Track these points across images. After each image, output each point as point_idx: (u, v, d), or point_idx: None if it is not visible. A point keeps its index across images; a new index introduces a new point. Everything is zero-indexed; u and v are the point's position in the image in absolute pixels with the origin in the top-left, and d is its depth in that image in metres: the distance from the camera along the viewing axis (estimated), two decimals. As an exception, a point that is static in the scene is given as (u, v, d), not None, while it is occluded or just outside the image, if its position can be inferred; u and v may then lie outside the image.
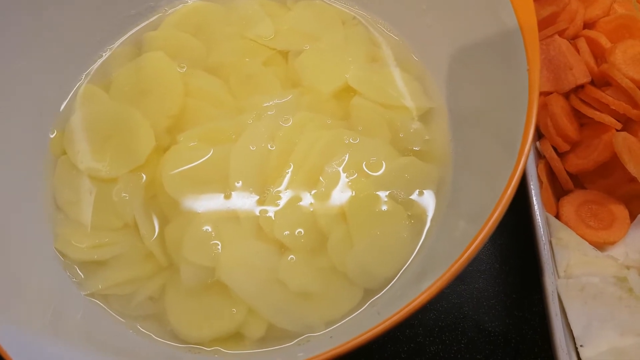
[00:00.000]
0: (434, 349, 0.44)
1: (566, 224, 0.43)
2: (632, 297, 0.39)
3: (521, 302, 0.45)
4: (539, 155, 0.46)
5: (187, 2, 0.49)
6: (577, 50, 0.47)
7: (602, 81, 0.46)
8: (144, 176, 0.41)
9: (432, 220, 0.39)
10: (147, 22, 0.49)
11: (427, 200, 0.40)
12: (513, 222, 0.48)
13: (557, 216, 0.44)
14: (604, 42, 0.48)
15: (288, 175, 0.40)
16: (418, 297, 0.26)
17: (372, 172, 0.41)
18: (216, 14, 0.48)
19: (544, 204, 0.44)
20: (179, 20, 0.48)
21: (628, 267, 0.41)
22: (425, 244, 0.38)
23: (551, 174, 0.46)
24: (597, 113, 0.44)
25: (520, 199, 0.43)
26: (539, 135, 0.47)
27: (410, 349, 0.45)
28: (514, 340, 0.44)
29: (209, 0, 0.49)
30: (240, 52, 0.46)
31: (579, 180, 0.46)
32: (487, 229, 0.27)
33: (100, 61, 0.48)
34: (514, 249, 0.48)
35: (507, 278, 0.47)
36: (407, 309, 0.25)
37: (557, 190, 0.46)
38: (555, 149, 0.46)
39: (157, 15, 0.49)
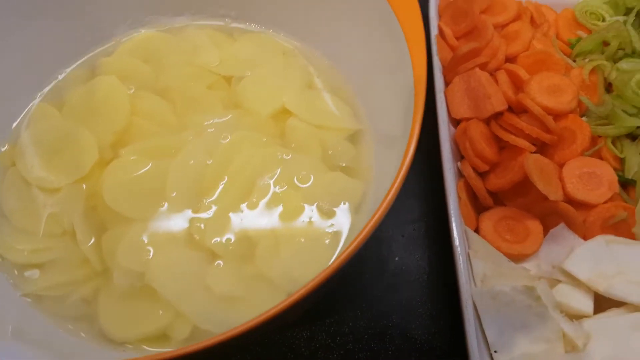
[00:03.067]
0: (362, 356, 0.46)
1: (484, 237, 0.46)
2: (540, 305, 0.41)
3: (446, 311, 0.48)
4: (460, 175, 0.50)
5: (141, 31, 0.53)
6: (497, 82, 0.52)
7: (520, 109, 0.51)
8: (85, 186, 0.44)
9: (349, 230, 0.42)
10: (102, 48, 0.53)
11: (349, 211, 0.43)
12: (440, 236, 0.51)
13: (477, 230, 0.47)
14: (523, 74, 0.52)
15: (221, 188, 0.43)
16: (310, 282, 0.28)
17: (302, 184, 0.44)
18: (167, 42, 0.52)
19: (465, 219, 0.47)
20: (132, 48, 0.52)
21: (539, 278, 0.44)
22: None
23: (473, 192, 0.49)
24: (512, 137, 0.48)
25: (445, 215, 0.46)
26: (460, 156, 0.51)
27: (340, 355, 0.46)
28: (438, 348, 0.46)
29: (161, 31, 0.53)
30: (187, 77, 0.50)
31: (500, 198, 0.50)
32: (369, 227, 0.29)
33: (55, 82, 0.51)
34: (441, 261, 0.50)
35: (434, 288, 0.49)
36: (302, 291, 0.28)
37: (479, 207, 0.49)
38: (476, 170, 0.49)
39: (112, 43, 0.53)
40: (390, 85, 0.42)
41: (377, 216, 0.30)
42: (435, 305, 0.48)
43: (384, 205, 0.30)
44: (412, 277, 0.50)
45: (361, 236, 0.29)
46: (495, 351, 0.41)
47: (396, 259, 0.51)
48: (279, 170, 0.44)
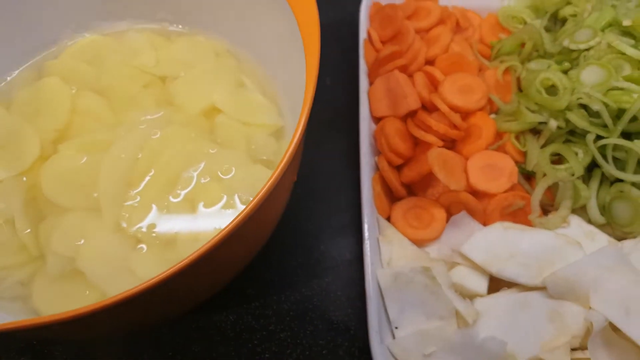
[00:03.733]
0: (283, 336, 0.50)
1: (394, 224, 0.51)
2: (435, 284, 0.45)
3: (362, 295, 0.52)
4: (377, 168, 0.54)
5: (85, 35, 0.57)
6: (415, 83, 0.56)
7: (433, 107, 0.55)
8: (25, 179, 0.48)
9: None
10: (49, 51, 0.56)
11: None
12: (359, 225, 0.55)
13: (389, 218, 0.51)
14: (439, 75, 0.56)
15: (148, 179, 0.47)
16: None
17: (225, 176, 0.48)
18: (109, 46, 0.56)
19: (378, 208, 0.51)
20: (77, 51, 0.56)
21: (439, 261, 0.48)
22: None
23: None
24: (422, 133, 0.52)
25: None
26: (378, 151, 0.55)
27: (263, 336, 0.50)
28: (353, 328, 0.50)
29: (104, 35, 0.57)
30: (125, 77, 0.54)
31: (413, 190, 0.54)
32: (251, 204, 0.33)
33: (4, 83, 0.55)
34: (362, 249, 0.54)
35: (353, 274, 0.53)
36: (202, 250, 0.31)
37: (395, 198, 0.54)
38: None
39: (58, 46, 0.57)
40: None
41: (255, 201, 0.33)
42: (353, 289, 0.52)
43: (262, 192, 0.33)
44: (335, 264, 0.54)
45: (237, 219, 0.32)
46: (396, 327, 0.45)
47: (321, 247, 0.55)
48: (204, 163, 0.48)
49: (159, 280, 0.29)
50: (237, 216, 0.33)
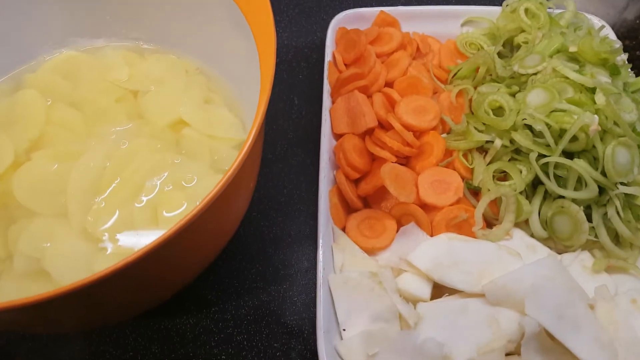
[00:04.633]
0: (240, 339, 0.52)
1: (347, 233, 0.54)
2: (381, 288, 0.48)
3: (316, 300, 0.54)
4: (335, 181, 0.57)
5: (63, 51, 0.60)
6: (373, 103, 0.60)
7: (389, 126, 0.58)
8: (-2, 185, 0.51)
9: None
10: (27, 65, 0.60)
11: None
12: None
13: (344, 228, 0.54)
14: (396, 96, 0.60)
15: (114, 186, 0.50)
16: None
17: (187, 184, 0.51)
18: (85, 61, 0.59)
19: (334, 219, 0.54)
20: (54, 66, 0.59)
21: (386, 267, 0.51)
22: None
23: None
24: (377, 149, 0.56)
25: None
26: (337, 166, 0.58)
27: (220, 338, 0.52)
28: (306, 331, 0.53)
29: (81, 51, 0.60)
30: (98, 91, 0.57)
31: (369, 202, 0.57)
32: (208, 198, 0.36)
33: (-17, 95, 0.58)
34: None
35: (308, 280, 0.56)
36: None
37: (352, 209, 0.57)
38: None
39: (36, 61, 0.60)
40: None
41: (205, 200, 0.36)
42: (308, 296, 0.55)
43: (212, 192, 0.36)
44: (292, 272, 0.57)
45: (176, 227, 0.35)
46: (344, 329, 0.48)
47: (280, 255, 0.58)
48: (168, 172, 0.51)
49: (105, 274, 0.32)
50: (186, 216, 0.35)
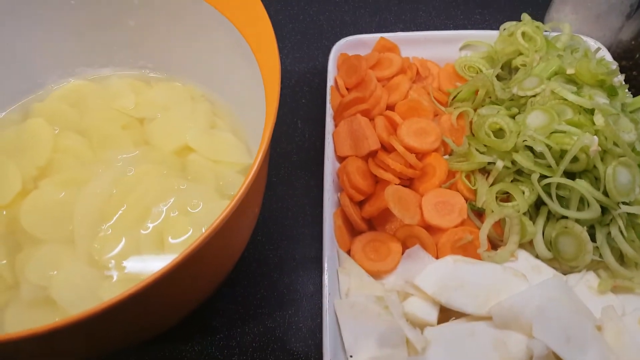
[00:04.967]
0: (246, 366, 0.52)
1: (353, 257, 0.54)
2: (388, 313, 0.48)
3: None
4: (339, 204, 0.57)
5: (70, 80, 0.62)
6: (375, 126, 0.61)
7: (392, 148, 0.59)
8: (5, 212, 0.51)
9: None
10: (36, 94, 0.61)
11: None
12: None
13: (349, 251, 0.55)
14: (397, 119, 0.61)
15: (120, 213, 0.50)
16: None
17: (193, 210, 0.51)
18: (92, 90, 0.61)
19: (339, 242, 0.54)
20: (62, 95, 0.60)
21: (392, 291, 0.51)
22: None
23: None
24: (381, 171, 0.56)
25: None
26: (341, 189, 0.58)
27: (226, 366, 0.52)
28: (312, 358, 0.52)
29: (88, 80, 0.62)
30: (105, 119, 0.58)
31: (374, 224, 0.57)
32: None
33: (-9, 124, 0.59)
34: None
35: (315, 305, 0.56)
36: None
37: (356, 232, 0.57)
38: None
39: (44, 90, 0.61)
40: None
41: (211, 228, 0.36)
42: (314, 321, 0.55)
43: (218, 220, 0.37)
44: (298, 297, 0.57)
45: (183, 255, 0.35)
46: (350, 356, 0.47)
47: (285, 280, 0.58)
48: (174, 198, 0.51)
49: (112, 303, 0.32)
50: (193, 243, 0.36)
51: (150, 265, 0.48)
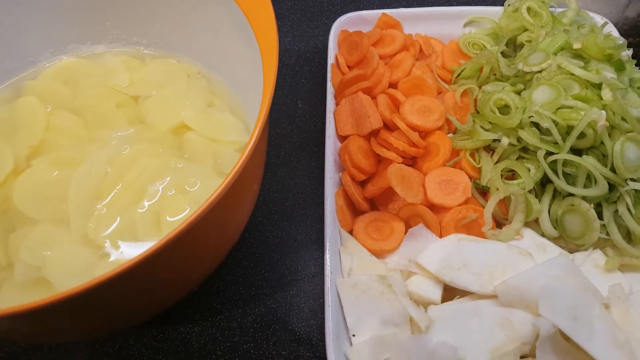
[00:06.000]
0: (246, 347, 0.51)
1: (355, 236, 0.52)
2: (391, 292, 0.47)
3: (324, 306, 0.53)
4: (340, 184, 0.56)
5: (63, 58, 0.60)
6: (378, 104, 0.59)
7: (394, 126, 0.58)
8: (-2, 192, 0.50)
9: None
10: (27, 72, 0.59)
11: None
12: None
13: (351, 231, 0.53)
14: (400, 97, 0.59)
15: (115, 192, 0.49)
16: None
17: (190, 189, 0.50)
18: (85, 67, 0.59)
19: (341, 222, 0.53)
20: (54, 72, 0.59)
21: (395, 270, 0.50)
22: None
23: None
24: (383, 150, 0.55)
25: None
26: (343, 168, 0.57)
27: (226, 347, 0.51)
28: (314, 338, 0.51)
29: (81, 57, 0.60)
30: (99, 97, 0.56)
31: (376, 204, 0.56)
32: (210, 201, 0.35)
33: (-17, 102, 0.57)
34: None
35: (316, 286, 0.55)
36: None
37: (358, 211, 0.56)
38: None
39: (36, 68, 0.59)
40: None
41: (208, 201, 0.35)
42: (316, 301, 0.54)
43: (207, 204, 0.35)
44: (299, 277, 0.56)
45: (177, 231, 0.34)
46: (353, 335, 0.47)
47: (287, 261, 0.57)
48: (170, 177, 0.50)
49: (103, 280, 0.31)
50: (186, 219, 0.34)
51: (147, 244, 0.47)
